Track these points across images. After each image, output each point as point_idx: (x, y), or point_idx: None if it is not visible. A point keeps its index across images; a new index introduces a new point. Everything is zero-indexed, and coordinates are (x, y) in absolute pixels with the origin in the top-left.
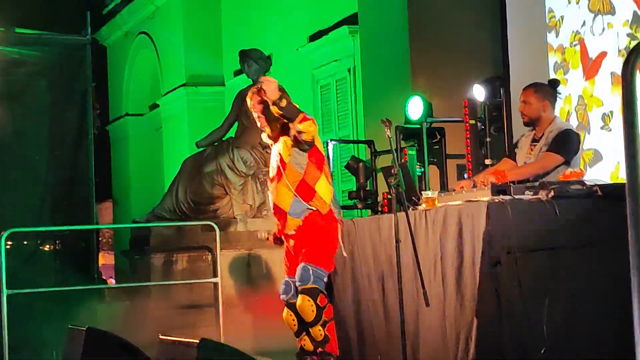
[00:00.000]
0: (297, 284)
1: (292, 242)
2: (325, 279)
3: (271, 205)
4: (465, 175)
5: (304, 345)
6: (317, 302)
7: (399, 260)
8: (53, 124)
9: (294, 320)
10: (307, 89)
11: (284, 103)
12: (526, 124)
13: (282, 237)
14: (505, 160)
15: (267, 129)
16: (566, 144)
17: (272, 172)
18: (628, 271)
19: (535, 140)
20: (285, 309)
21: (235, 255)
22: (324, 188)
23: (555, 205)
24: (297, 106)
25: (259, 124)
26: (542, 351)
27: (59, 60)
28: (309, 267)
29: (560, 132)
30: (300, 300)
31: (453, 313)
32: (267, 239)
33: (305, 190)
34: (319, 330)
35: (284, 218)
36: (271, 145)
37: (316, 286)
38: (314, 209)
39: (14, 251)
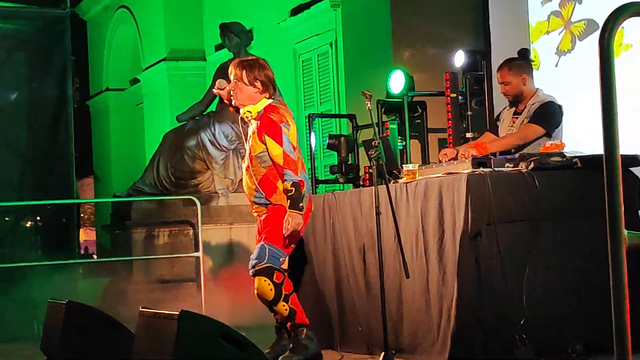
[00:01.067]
0: (253, 262)
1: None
2: (282, 260)
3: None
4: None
5: (279, 318)
6: (274, 279)
7: (379, 232)
8: (32, 98)
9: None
10: (289, 64)
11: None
12: (512, 103)
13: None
14: (487, 134)
15: (245, 108)
16: (547, 115)
17: (246, 161)
18: (606, 242)
19: (517, 113)
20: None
21: (216, 230)
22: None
23: (535, 177)
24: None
25: (238, 100)
26: (522, 322)
27: (38, 34)
28: (266, 246)
29: (542, 104)
30: (256, 282)
31: (435, 285)
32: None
33: (267, 186)
34: (283, 305)
35: (251, 204)
36: (248, 121)
37: (270, 264)
38: (276, 204)
39: None
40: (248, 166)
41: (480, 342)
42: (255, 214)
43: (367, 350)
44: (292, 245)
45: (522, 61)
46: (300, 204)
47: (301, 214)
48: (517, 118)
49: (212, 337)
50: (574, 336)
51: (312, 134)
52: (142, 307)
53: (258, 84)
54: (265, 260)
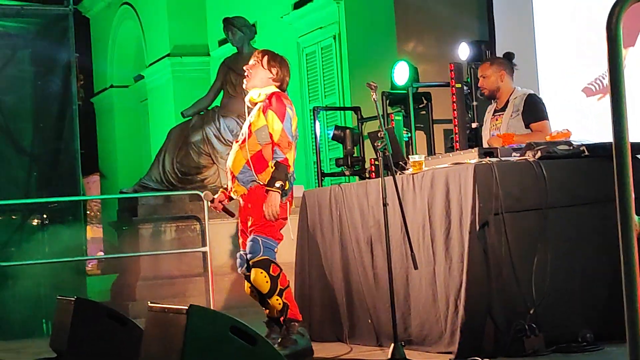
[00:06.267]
0: (248, 256)
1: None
2: (276, 249)
3: (227, 167)
4: (494, 133)
5: (269, 313)
6: (270, 272)
7: (387, 224)
8: (37, 96)
9: (253, 292)
10: (293, 57)
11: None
12: (487, 98)
13: (226, 206)
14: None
15: (257, 91)
16: (538, 106)
17: (241, 137)
18: (616, 230)
19: (497, 111)
20: (245, 282)
21: (223, 225)
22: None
23: (542, 166)
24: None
25: (251, 82)
26: (531, 311)
27: (42, 32)
28: (258, 239)
29: (527, 99)
30: (253, 273)
31: (442, 275)
32: (212, 201)
33: (259, 162)
34: (277, 299)
35: (232, 181)
36: (253, 105)
37: (267, 257)
38: (260, 183)
39: (2, 225)
40: (244, 140)
41: (490, 332)
42: (233, 195)
43: (376, 342)
44: (281, 234)
45: (505, 61)
46: (279, 182)
47: (278, 191)
48: (500, 115)
49: (222, 331)
50: (584, 325)
51: (317, 127)
52: (150, 302)
53: (274, 70)
54: (261, 253)
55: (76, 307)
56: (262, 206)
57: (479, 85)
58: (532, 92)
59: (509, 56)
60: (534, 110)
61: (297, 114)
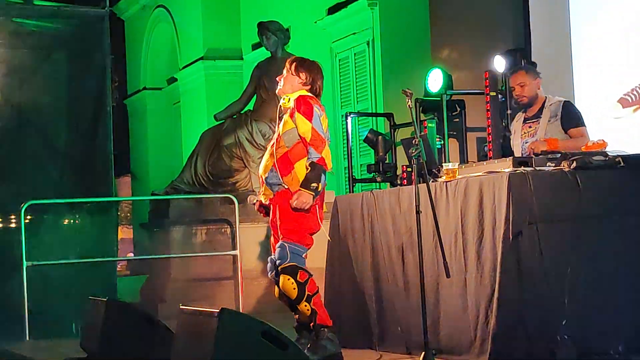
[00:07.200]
0: (277, 262)
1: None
2: (305, 255)
3: (259, 171)
4: (527, 140)
5: (299, 318)
6: (297, 279)
7: (419, 231)
8: (72, 97)
9: (283, 297)
10: (326, 62)
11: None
12: (524, 106)
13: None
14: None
15: (287, 97)
16: (576, 113)
17: (272, 140)
18: None
19: (529, 119)
20: (276, 287)
21: (254, 228)
22: (303, 168)
23: (577, 176)
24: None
25: (280, 86)
26: (564, 323)
27: (78, 33)
28: (286, 244)
29: (566, 105)
30: (281, 280)
31: (473, 284)
32: (254, 203)
33: (285, 164)
34: (305, 306)
35: (262, 184)
36: (285, 110)
37: (294, 263)
38: (286, 187)
39: (34, 224)
40: (273, 144)
41: (522, 342)
42: (262, 199)
43: (406, 350)
44: (311, 239)
45: (534, 68)
46: (314, 184)
47: (311, 194)
48: (533, 122)
49: (253, 336)
50: (616, 337)
51: (349, 133)
52: (182, 305)
53: (302, 75)
54: (288, 259)
55: (107, 308)
56: (293, 213)
57: (515, 93)
58: (566, 99)
59: (534, 65)
60: (573, 116)
61: (329, 120)
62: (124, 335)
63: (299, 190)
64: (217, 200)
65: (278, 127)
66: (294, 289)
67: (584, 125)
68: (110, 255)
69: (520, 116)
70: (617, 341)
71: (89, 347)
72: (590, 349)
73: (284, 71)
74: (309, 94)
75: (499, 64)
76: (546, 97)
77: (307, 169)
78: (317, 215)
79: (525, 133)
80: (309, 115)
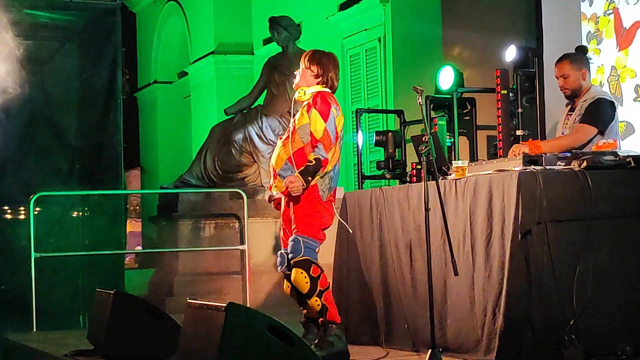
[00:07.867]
0: (290, 256)
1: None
2: (318, 250)
3: (270, 163)
4: (563, 132)
5: (306, 313)
6: (310, 273)
7: (428, 229)
8: (82, 89)
9: (293, 291)
10: None
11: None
12: (569, 98)
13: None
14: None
15: (301, 90)
16: (599, 113)
17: (286, 134)
18: None
19: (571, 111)
20: (285, 281)
21: (262, 223)
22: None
23: (587, 176)
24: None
25: (296, 81)
26: (571, 322)
27: (89, 25)
28: (300, 239)
29: (593, 102)
30: (294, 273)
31: (481, 282)
32: (272, 201)
33: (300, 159)
34: (316, 300)
35: (274, 177)
36: (300, 102)
37: (308, 257)
38: None
39: (43, 216)
40: (287, 137)
41: (529, 342)
42: (274, 192)
43: (412, 347)
44: (323, 233)
45: (582, 56)
46: (309, 178)
47: (304, 185)
48: (570, 115)
49: (260, 330)
50: (624, 338)
51: (359, 130)
52: (189, 299)
53: (314, 68)
54: (302, 253)
55: (115, 300)
56: (307, 206)
57: (559, 85)
58: (602, 96)
59: (583, 50)
60: (588, 113)
61: None
62: (131, 328)
63: (297, 175)
64: (226, 194)
65: (293, 119)
66: (307, 282)
67: (593, 125)
68: (119, 248)
69: (568, 105)
70: (625, 342)
71: (95, 339)
72: (597, 349)
73: (301, 64)
74: (327, 89)
75: (510, 53)
76: (589, 89)
77: (310, 161)
78: (331, 211)
79: (565, 125)
80: (325, 115)
